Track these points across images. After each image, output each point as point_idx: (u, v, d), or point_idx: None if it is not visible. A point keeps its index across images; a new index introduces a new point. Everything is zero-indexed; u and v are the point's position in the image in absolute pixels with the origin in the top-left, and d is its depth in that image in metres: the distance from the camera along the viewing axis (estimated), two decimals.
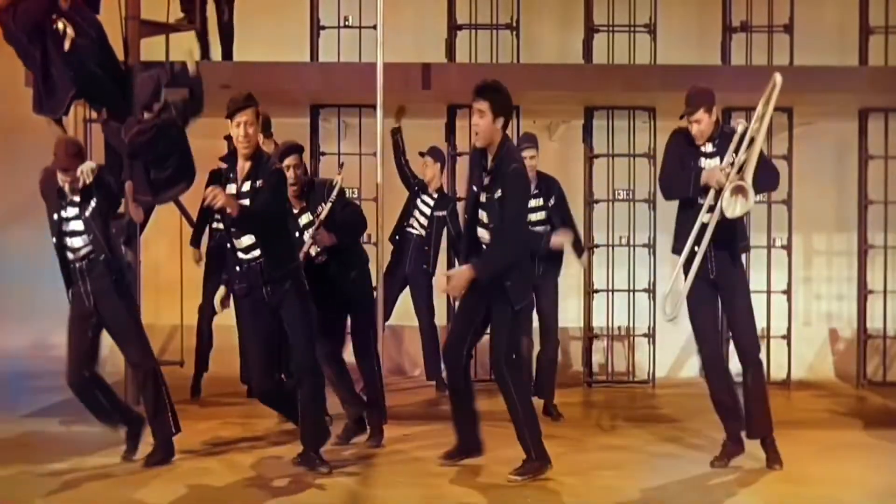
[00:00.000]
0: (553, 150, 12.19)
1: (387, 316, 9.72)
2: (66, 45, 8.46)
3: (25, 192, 11.95)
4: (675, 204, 11.18)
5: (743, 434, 7.36)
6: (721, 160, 7.18)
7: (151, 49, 9.53)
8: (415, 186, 10.35)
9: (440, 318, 10.46)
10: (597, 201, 10.78)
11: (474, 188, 7.06)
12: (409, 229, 10.35)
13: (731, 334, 7.90)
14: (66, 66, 8.46)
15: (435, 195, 10.33)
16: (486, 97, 6.89)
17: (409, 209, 10.37)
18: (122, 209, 9.01)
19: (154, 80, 8.60)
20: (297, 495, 6.57)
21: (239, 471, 7.12)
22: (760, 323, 10.65)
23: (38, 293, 12.05)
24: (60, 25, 8.44)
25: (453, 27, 10.82)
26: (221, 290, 7.17)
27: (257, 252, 6.91)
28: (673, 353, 11.32)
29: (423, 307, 10.32)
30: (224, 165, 7.22)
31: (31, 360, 11.53)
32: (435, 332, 10.32)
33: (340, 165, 8.61)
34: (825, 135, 11.74)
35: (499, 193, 6.85)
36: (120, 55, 9.13)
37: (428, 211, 10.30)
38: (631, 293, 10.85)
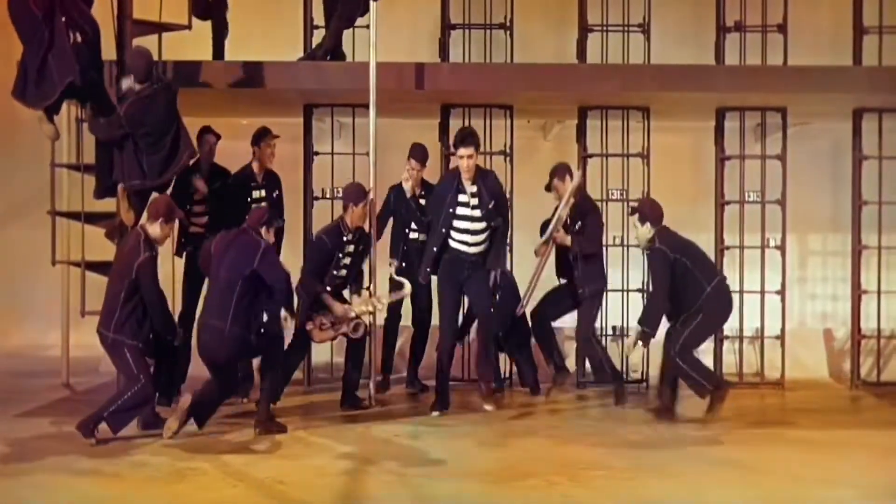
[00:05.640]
0: (548, 150, 12.20)
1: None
2: (79, 37, 8.49)
3: (22, 192, 12.00)
4: (665, 204, 11.29)
5: None
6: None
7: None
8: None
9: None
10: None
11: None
12: (413, 234, 10.10)
13: None
14: (72, 57, 8.43)
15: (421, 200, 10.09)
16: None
17: (404, 219, 10.09)
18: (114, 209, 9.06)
19: (146, 56, 8.65)
20: (286, 494, 6.55)
21: (228, 471, 7.10)
22: (754, 323, 10.77)
23: (34, 293, 12.07)
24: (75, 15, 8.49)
25: (447, 27, 10.80)
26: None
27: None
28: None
29: (428, 309, 10.25)
30: None
31: (27, 360, 11.54)
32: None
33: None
34: (820, 135, 11.73)
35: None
36: (112, 54, 9.09)
37: (419, 215, 10.20)
38: (624, 293, 10.83)
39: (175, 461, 7.30)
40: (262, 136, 9.86)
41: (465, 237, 9.01)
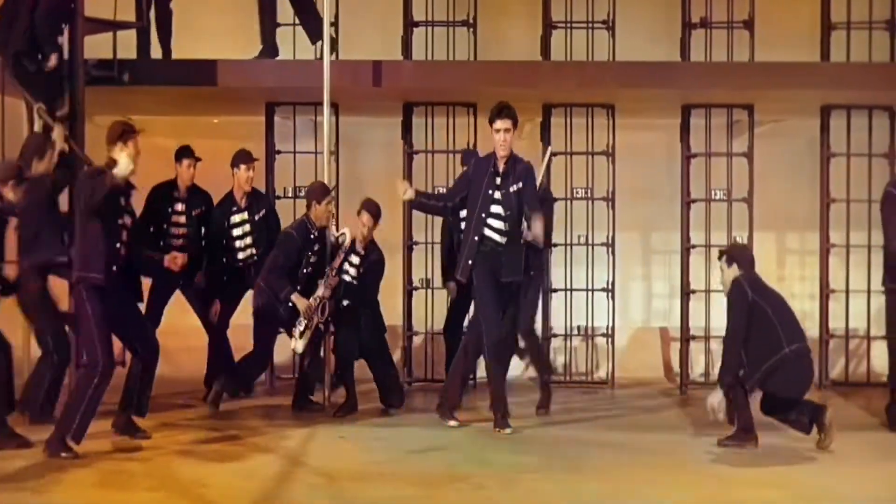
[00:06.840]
0: (523, 149, 12.02)
1: None
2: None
3: None
4: (635, 202, 11.17)
5: None
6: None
7: (96, 46, 9.44)
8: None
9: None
10: (555, 199, 10.57)
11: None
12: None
13: None
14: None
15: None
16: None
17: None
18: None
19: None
20: (205, 496, 6.48)
21: (154, 473, 7.06)
22: (722, 322, 10.61)
23: None
24: None
25: (410, 24, 10.69)
26: None
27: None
28: (633, 354, 11.22)
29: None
30: None
31: None
32: None
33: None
34: (795, 132, 11.56)
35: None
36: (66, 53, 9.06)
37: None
38: (590, 293, 10.73)
39: (105, 463, 7.24)
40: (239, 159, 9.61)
41: (494, 222, 8.28)
